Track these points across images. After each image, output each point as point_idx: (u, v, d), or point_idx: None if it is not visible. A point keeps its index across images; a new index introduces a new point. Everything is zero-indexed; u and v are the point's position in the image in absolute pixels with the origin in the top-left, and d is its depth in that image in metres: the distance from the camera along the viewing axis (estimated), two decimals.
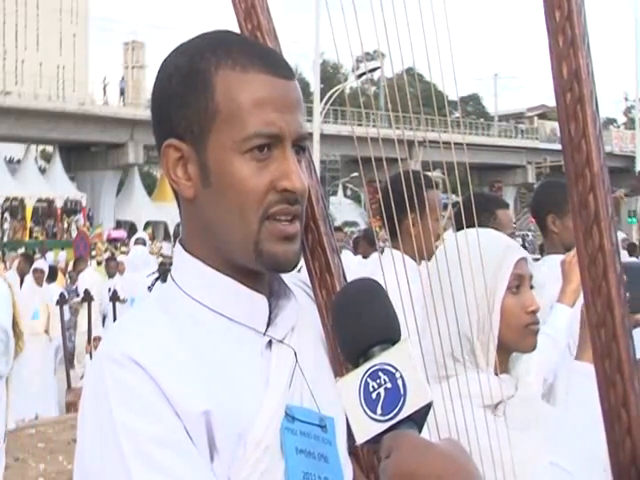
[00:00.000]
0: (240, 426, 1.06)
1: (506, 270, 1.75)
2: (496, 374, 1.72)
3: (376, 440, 0.99)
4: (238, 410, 1.07)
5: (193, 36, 1.17)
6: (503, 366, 1.75)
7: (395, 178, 1.51)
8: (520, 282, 1.77)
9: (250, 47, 1.15)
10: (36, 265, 10.29)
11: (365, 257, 9.39)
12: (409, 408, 0.97)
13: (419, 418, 0.99)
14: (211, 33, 1.17)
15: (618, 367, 1.15)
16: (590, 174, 1.13)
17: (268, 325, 1.15)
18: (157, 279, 1.27)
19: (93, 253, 20.39)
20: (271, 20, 1.28)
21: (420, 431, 0.99)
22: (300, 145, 1.13)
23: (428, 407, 0.99)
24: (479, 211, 2.15)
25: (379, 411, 0.98)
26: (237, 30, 1.26)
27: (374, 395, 0.99)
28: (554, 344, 2.49)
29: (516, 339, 1.77)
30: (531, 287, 1.81)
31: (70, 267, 15.25)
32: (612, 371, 1.15)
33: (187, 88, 1.11)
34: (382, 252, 3.52)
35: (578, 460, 1.62)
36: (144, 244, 13.54)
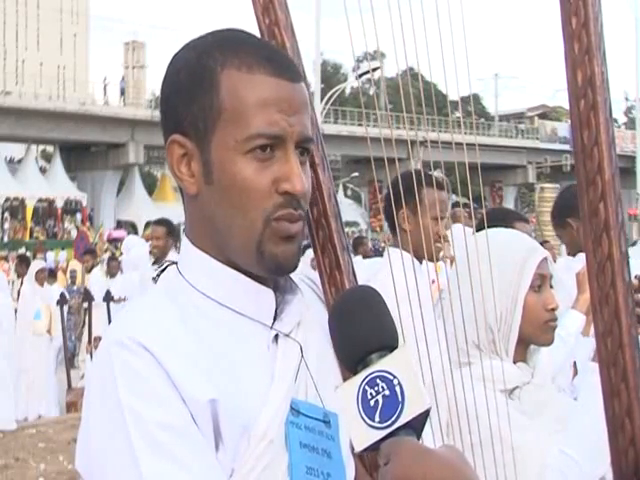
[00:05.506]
0: (245, 418, 1.06)
1: (530, 269, 1.86)
2: (514, 363, 1.86)
3: (375, 447, 0.98)
4: (244, 402, 1.06)
5: (204, 32, 1.17)
6: (521, 356, 1.89)
7: (397, 176, 1.52)
8: (542, 281, 1.89)
9: (258, 48, 1.14)
10: (41, 265, 10.30)
11: (365, 258, 9.38)
12: (407, 415, 0.97)
13: (417, 425, 0.98)
14: (222, 31, 1.16)
15: (623, 376, 1.14)
16: (601, 182, 1.13)
17: (274, 319, 1.14)
18: (160, 272, 1.26)
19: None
20: (289, 15, 1.27)
21: (419, 438, 0.99)
22: (304, 147, 1.13)
23: (426, 414, 0.98)
24: (498, 223, 2.31)
25: (377, 418, 0.97)
26: (251, 27, 1.25)
27: (372, 402, 0.98)
28: (563, 345, 2.64)
29: (535, 334, 1.88)
30: (550, 286, 1.92)
31: (72, 266, 15.21)
32: (617, 380, 1.15)
33: (194, 84, 1.11)
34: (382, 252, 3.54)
35: (586, 451, 1.71)
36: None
